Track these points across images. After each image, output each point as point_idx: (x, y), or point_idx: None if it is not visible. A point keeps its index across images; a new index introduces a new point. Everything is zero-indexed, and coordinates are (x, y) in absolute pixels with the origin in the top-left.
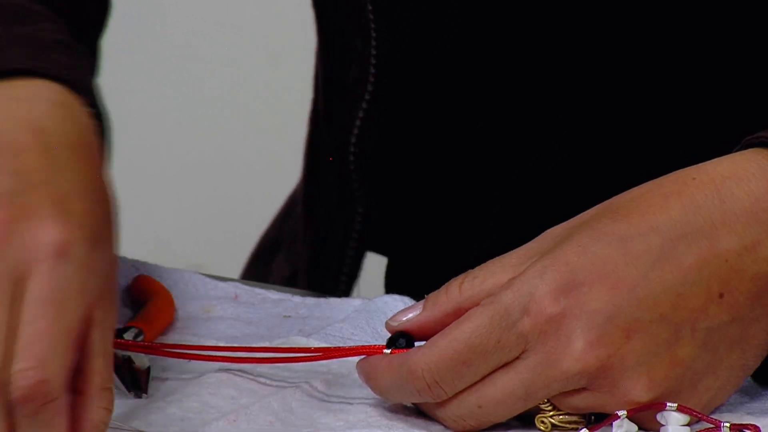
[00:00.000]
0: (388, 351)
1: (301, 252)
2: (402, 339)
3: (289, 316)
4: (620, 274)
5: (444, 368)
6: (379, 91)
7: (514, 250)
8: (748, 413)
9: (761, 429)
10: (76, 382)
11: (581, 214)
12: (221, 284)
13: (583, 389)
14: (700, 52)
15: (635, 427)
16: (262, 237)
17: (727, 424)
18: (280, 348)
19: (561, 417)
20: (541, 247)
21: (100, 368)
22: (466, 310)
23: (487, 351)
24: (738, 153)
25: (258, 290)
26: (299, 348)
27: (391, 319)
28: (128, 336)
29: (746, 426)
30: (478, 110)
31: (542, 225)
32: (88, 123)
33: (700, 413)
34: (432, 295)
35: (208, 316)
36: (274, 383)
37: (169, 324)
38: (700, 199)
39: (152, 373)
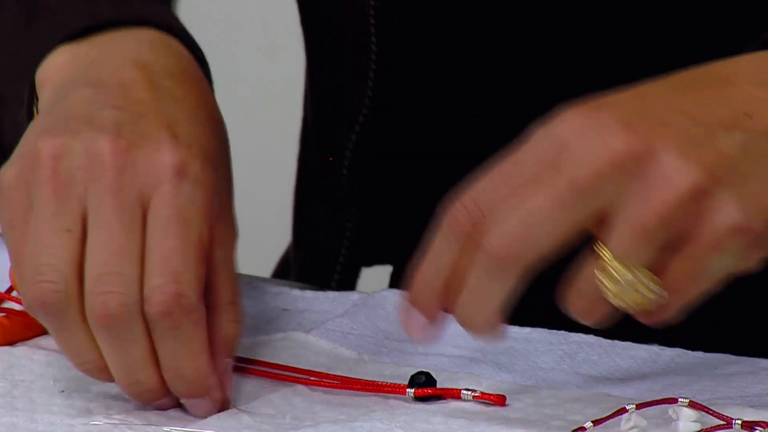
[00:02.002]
0: (411, 390)
1: (293, 265)
2: (422, 376)
3: (288, 309)
4: (646, 91)
5: (484, 189)
6: (376, 108)
7: None
8: (750, 405)
9: None
10: (205, 298)
11: None
12: None
13: (622, 193)
14: (697, 51)
15: (644, 422)
16: (281, 257)
17: (739, 422)
18: (299, 369)
19: (617, 273)
20: None
21: (226, 283)
22: None
23: (522, 161)
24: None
25: (257, 284)
26: (317, 372)
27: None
28: None
29: (758, 423)
30: (476, 124)
31: None
32: (189, 56)
33: (711, 409)
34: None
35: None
36: (274, 382)
37: None
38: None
39: None
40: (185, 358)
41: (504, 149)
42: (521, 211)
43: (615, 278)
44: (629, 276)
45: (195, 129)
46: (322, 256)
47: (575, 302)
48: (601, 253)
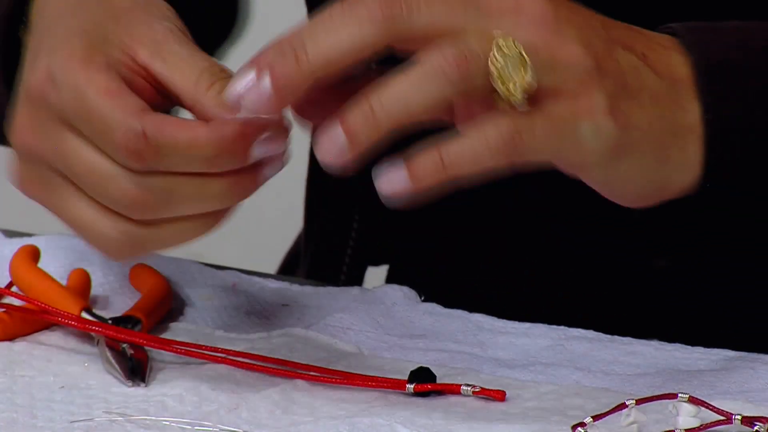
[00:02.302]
0: (411, 386)
1: (303, 261)
2: (422, 371)
3: (288, 305)
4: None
5: None
6: None
7: None
8: (749, 401)
9: None
10: None
11: None
12: (219, 273)
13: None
14: None
15: (644, 417)
16: (287, 253)
17: (739, 417)
18: (299, 364)
19: (513, 45)
20: None
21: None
22: None
23: None
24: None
25: (256, 279)
26: (317, 367)
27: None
28: (126, 325)
29: (758, 418)
30: None
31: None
32: None
33: (711, 405)
34: None
35: (207, 304)
36: (274, 377)
37: (167, 313)
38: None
39: (150, 362)
40: None
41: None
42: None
43: (508, 52)
44: (521, 51)
45: None
46: (329, 253)
47: (455, 50)
48: (497, 33)
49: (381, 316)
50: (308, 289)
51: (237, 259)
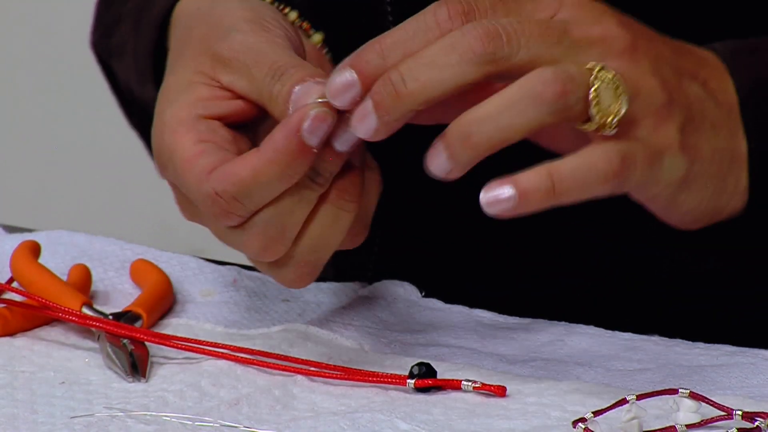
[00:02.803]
0: (412, 381)
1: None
2: (423, 367)
3: (288, 301)
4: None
5: None
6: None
7: None
8: (750, 396)
9: None
10: None
11: None
12: (221, 268)
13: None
14: None
15: (645, 412)
16: None
17: (740, 412)
18: (300, 359)
19: (611, 74)
20: None
21: None
22: None
23: None
24: None
25: (257, 275)
26: (318, 363)
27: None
28: (127, 320)
29: (759, 414)
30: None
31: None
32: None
33: (711, 400)
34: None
35: (207, 300)
36: (275, 373)
37: (167, 309)
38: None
39: (151, 358)
40: None
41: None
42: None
43: (605, 80)
44: (617, 81)
45: None
46: (350, 272)
47: (554, 75)
48: (596, 67)
49: (382, 311)
50: (309, 285)
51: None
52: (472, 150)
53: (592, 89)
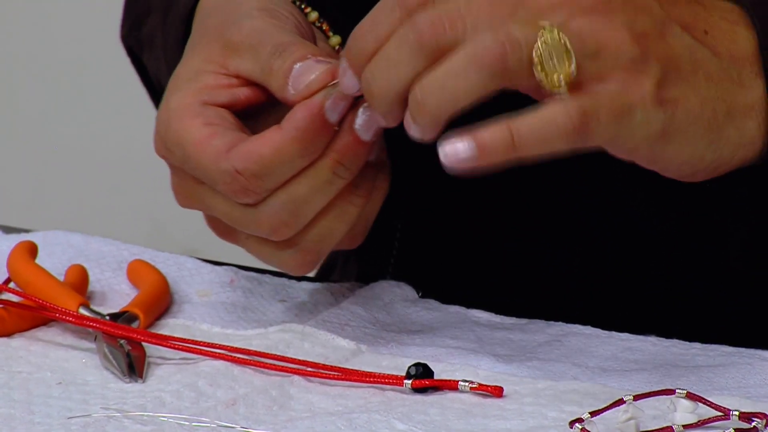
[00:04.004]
0: (409, 382)
1: (352, 270)
2: (420, 367)
3: (285, 301)
4: None
5: None
6: None
7: None
8: (747, 397)
9: None
10: None
11: None
12: (217, 269)
13: (569, 19)
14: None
15: (642, 413)
16: (323, 262)
17: (737, 413)
18: (296, 360)
19: (557, 35)
20: None
21: None
22: None
23: None
24: None
25: (253, 275)
26: (314, 363)
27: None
28: (124, 321)
29: (756, 414)
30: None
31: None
32: None
33: (708, 401)
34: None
35: (204, 300)
36: (271, 373)
37: (164, 309)
38: None
39: (148, 358)
40: None
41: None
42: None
43: (551, 42)
44: (565, 42)
45: None
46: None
47: (496, 43)
48: (544, 23)
49: (379, 312)
50: (306, 285)
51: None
52: (428, 116)
53: (534, 52)
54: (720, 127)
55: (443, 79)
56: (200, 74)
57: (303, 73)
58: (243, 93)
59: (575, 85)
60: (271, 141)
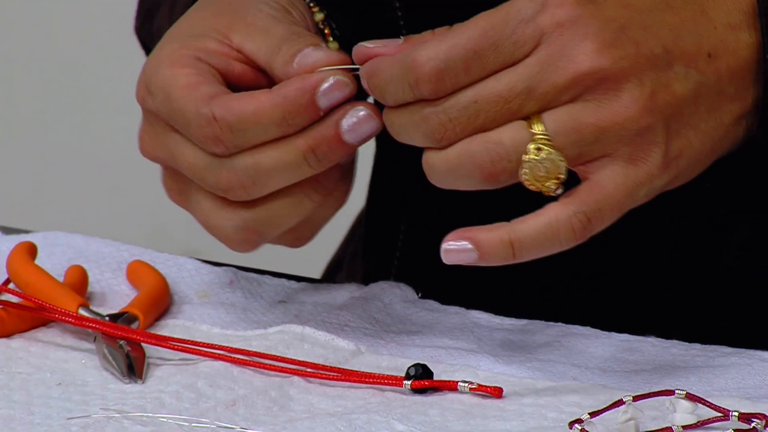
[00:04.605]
0: (409, 382)
1: (359, 267)
2: (419, 368)
3: (285, 302)
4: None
5: (453, 58)
6: None
7: None
8: (746, 397)
9: None
10: None
11: None
12: (217, 269)
13: (576, 99)
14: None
15: (641, 413)
16: (329, 261)
17: (736, 413)
18: (296, 360)
19: (547, 148)
20: None
21: None
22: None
23: (500, 44)
24: None
25: (253, 276)
26: (314, 364)
27: (368, 41)
28: (123, 322)
29: (755, 415)
30: None
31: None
32: None
33: (708, 401)
34: (411, 35)
35: (204, 301)
36: (271, 374)
37: (164, 310)
38: None
39: (148, 359)
40: None
41: None
42: (477, 91)
43: (544, 152)
44: (556, 160)
45: None
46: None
47: (485, 151)
48: (536, 126)
49: (378, 312)
50: (305, 286)
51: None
52: (435, 182)
53: (521, 171)
54: (717, 149)
55: (443, 165)
56: (202, 37)
57: (312, 54)
58: (239, 67)
59: (577, 171)
60: (256, 100)
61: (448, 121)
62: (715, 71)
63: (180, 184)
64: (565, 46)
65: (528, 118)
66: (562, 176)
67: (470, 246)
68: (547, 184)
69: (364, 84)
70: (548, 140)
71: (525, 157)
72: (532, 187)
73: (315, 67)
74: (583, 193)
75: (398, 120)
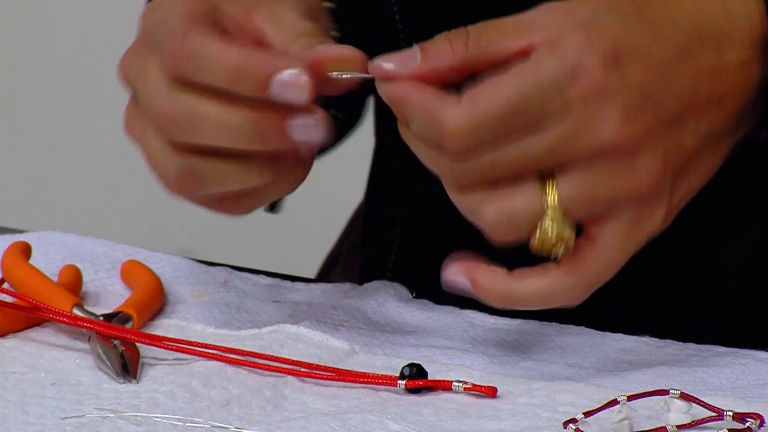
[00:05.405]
0: (403, 382)
1: (356, 262)
2: (414, 368)
3: (279, 302)
4: (654, 54)
5: (481, 127)
6: None
7: (510, 18)
8: (741, 397)
9: (765, 418)
10: None
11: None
12: (211, 269)
13: (591, 167)
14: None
15: (635, 413)
16: (326, 256)
17: (731, 413)
18: (290, 360)
19: (560, 223)
20: (546, 17)
21: None
22: (472, 69)
23: (529, 113)
24: None
25: (248, 275)
26: (308, 364)
27: (384, 59)
28: (118, 321)
29: (750, 415)
30: None
31: None
32: None
33: (702, 401)
34: (428, 47)
35: (198, 301)
36: (265, 374)
37: (158, 310)
38: (712, 9)
39: (142, 359)
40: None
41: None
42: (497, 155)
43: (555, 224)
44: (566, 231)
45: None
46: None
47: (498, 223)
48: (550, 196)
49: (372, 312)
50: (300, 286)
51: (229, 256)
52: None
53: (533, 239)
54: (710, 176)
55: (457, 204)
56: (226, 1)
57: (333, 47)
58: (247, 42)
59: (580, 229)
60: (224, 45)
61: (463, 173)
62: (722, 116)
63: (139, 114)
64: (589, 121)
65: (542, 176)
66: (571, 244)
67: (468, 283)
68: (554, 251)
69: (382, 95)
70: (562, 214)
71: (537, 232)
72: (538, 253)
73: (333, 56)
74: (587, 262)
75: (414, 144)
